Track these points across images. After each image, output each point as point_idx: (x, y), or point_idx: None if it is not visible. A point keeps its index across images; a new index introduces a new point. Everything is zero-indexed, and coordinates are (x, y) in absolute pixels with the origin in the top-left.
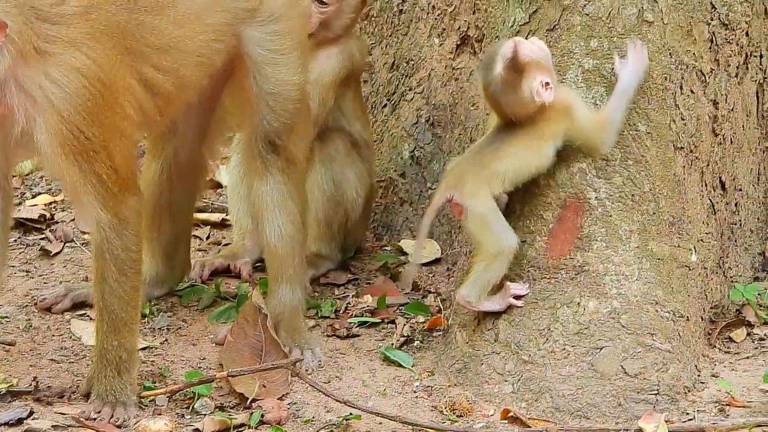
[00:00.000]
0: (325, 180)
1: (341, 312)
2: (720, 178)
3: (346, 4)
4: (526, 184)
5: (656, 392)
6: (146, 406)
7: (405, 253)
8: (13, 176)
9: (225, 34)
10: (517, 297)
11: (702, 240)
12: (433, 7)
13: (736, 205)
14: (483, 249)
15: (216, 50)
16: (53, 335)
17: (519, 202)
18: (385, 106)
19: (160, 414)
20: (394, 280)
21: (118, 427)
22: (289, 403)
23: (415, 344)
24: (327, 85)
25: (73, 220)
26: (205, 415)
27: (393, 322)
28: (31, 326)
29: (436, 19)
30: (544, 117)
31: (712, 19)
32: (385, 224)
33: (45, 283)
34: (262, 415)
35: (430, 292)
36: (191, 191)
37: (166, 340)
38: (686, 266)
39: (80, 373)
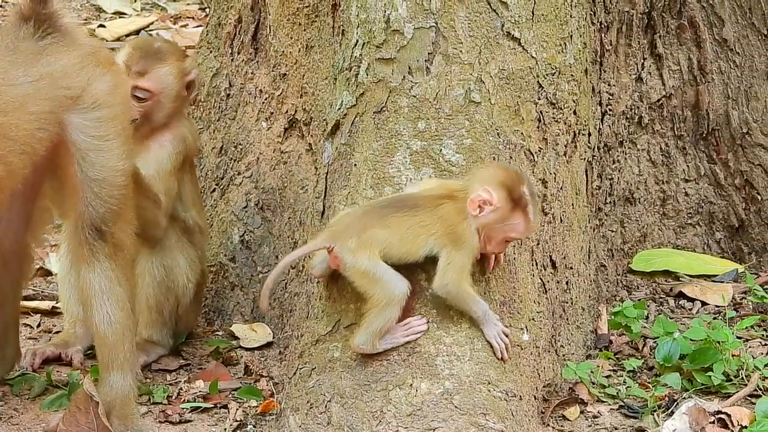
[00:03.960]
0: (156, 266)
1: (173, 398)
2: (550, 256)
3: (165, 96)
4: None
5: None
6: None
7: (237, 338)
8: None
9: (49, 123)
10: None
11: (533, 319)
12: (261, 91)
13: (567, 283)
14: (371, 299)
15: (39, 138)
16: None
17: (350, 284)
18: (214, 190)
19: None
20: (226, 364)
21: None
22: None
23: (248, 429)
24: (167, 174)
25: None
26: None
27: (226, 407)
28: None
29: (263, 103)
30: (444, 213)
31: (539, 99)
32: (216, 309)
33: None
34: None
35: (262, 376)
36: (17, 279)
37: None
38: (518, 345)
39: None
